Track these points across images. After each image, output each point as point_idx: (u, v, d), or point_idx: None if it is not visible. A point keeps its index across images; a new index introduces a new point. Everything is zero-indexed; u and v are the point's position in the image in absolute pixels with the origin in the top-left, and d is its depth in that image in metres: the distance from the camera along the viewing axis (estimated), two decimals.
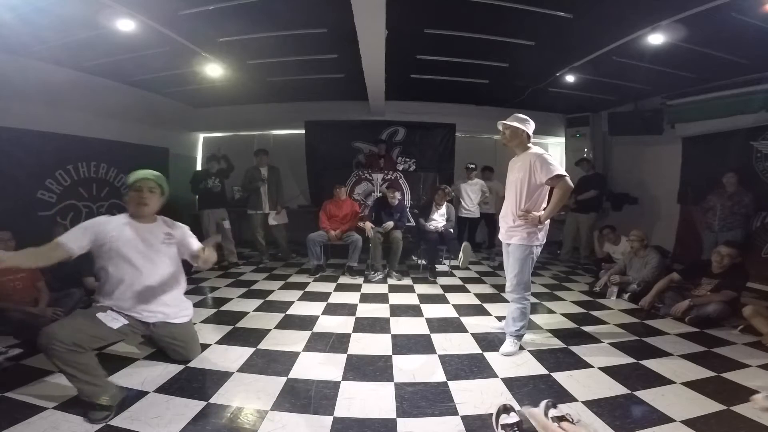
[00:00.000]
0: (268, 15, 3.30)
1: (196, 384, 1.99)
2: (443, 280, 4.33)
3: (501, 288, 3.91)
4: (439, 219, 4.61)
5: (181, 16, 3.24)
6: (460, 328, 2.90)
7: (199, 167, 6.98)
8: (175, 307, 2.16)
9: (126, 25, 3.27)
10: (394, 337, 2.68)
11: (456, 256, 4.24)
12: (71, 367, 1.66)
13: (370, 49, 3.63)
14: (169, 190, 2.23)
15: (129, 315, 1.98)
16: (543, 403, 1.70)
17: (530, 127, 2.45)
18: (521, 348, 2.50)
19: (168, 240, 2.12)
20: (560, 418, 1.57)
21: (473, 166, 5.61)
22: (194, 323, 2.83)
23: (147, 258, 2.02)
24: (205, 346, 2.45)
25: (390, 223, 4.41)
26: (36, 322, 2.46)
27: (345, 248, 4.56)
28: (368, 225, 4.42)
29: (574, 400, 1.89)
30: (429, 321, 3.02)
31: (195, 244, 2.17)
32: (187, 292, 3.59)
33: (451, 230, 4.64)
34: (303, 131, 6.48)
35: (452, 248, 4.58)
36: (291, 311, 3.20)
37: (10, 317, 2.46)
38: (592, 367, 2.27)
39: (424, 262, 4.74)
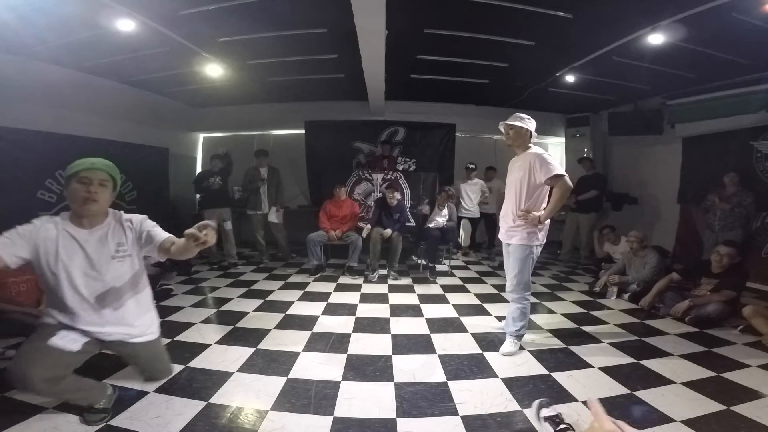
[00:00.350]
0: (268, 15, 3.30)
1: (196, 384, 1.99)
2: (443, 280, 4.33)
3: (501, 288, 3.92)
4: (440, 220, 4.62)
5: (181, 16, 3.24)
6: (460, 328, 2.90)
7: (199, 167, 7.00)
8: (137, 327, 1.83)
9: (126, 25, 3.27)
10: (394, 337, 2.68)
11: (456, 245, 4.26)
12: (59, 394, 1.59)
13: (370, 49, 3.63)
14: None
15: (84, 331, 1.69)
16: (536, 402, 1.70)
17: (532, 125, 2.46)
18: (521, 348, 2.50)
19: (120, 253, 1.74)
20: (551, 419, 1.56)
21: (473, 166, 5.62)
22: (197, 324, 2.85)
23: (92, 277, 1.68)
24: (205, 346, 2.45)
25: (388, 231, 4.40)
26: (36, 323, 2.48)
27: (345, 248, 4.56)
28: (368, 228, 4.42)
29: (574, 400, 1.89)
30: (429, 321, 3.02)
31: (160, 235, 1.79)
32: (187, 293, 3.66)
33: (452, 222, 4.68)
34: (303, 131, 6.48)
35: (453, 239, 4.56)
36: (291, 311, 3.20)
37: (11, 318, 2.46)
38: (592, 367, 2.27)
39: (424, 262, 4.75)
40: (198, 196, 5.34)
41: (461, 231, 4.07)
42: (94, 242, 1.70)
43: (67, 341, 1.62)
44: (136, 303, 1.83)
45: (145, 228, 1.81)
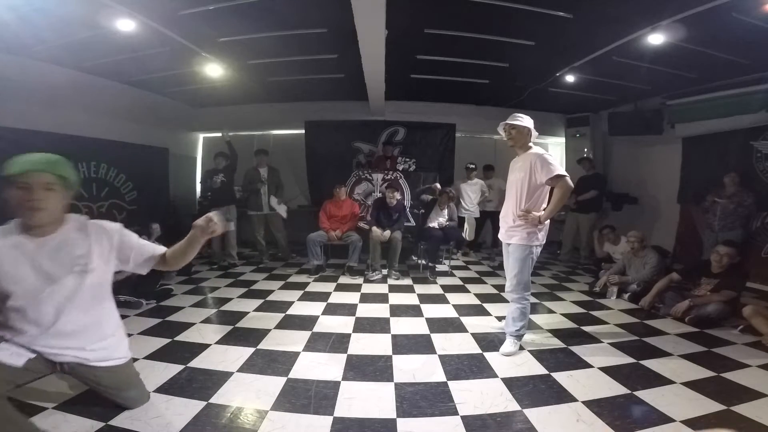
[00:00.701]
0: (268, 15, 3.30)
1: (196, 384, 1.99)
2: (443, 280, 4.33)
3: (501, 288, 3.91)
4: (441, 221, 4.62)
5: (181, 16, 3.24)
6: (460, 328, 2.90)
7: (199, 167, 7.00)
8: (94, 351, 1.56)
9: (126, 25, 3.27)
10: (394, 337, 2.68)
11: (459, 248, 4.27)
12: None
13: (370, 49, 3.63)
14: (76, 180, 1.52)
15: (32, 349, 1.46)
16: None
17: (530, 123, 2.47)
18: (521, 348, 2.50)
19: (79, 267, 1.48)
20: None
21: (473, 166, 5.62)
22: (197, 324, 2.84)
23: (42, 294, 1.42)
24: (205, 346, 2.45)
25: (387, 233, 4.41)
26: None
27: (345, 248, 4.56)
28: (377, 231, 4.43)
29: (574, 400, 1.89)
30: (429, 321, 3.02)
31: (156, 247, 1.67)
32: (187, 293, 3.66)
33: (453, 222, 4.67)
34: (303, 131, 6.49)
35: (456, 236, 4.50)
36: (291, 311, 3.20)
37: None
38: (592, 367, 2.27)
39: (424, 262, 4.75)
40: (200, 196, 5.32)
41: (465, 225, 4.09)
42: (45, 253, 1.44)
43: (7, 354, 1.40)
44: (96, 326, 1.57)
45: (127, 241, 1.61)
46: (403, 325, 2.91)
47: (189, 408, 1.76)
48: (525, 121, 2.45)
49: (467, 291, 3.94)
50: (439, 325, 2.95)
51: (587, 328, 2.93)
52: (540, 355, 2.42)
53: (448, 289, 3.99)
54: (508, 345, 2.46)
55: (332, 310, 3.25)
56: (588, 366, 2.28)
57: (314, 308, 3.26)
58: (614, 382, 2.08)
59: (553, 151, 6.72)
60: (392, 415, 1.76)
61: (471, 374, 2.17)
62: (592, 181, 5.49)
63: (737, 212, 3.98)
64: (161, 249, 1.69)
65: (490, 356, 2.40)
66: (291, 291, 3.80)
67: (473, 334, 2.75)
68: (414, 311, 3.27)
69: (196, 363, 2.22)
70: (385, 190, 4.71)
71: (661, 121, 5.25)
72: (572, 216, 5.63)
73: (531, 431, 1.65)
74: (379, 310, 3.26)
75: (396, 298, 3.61)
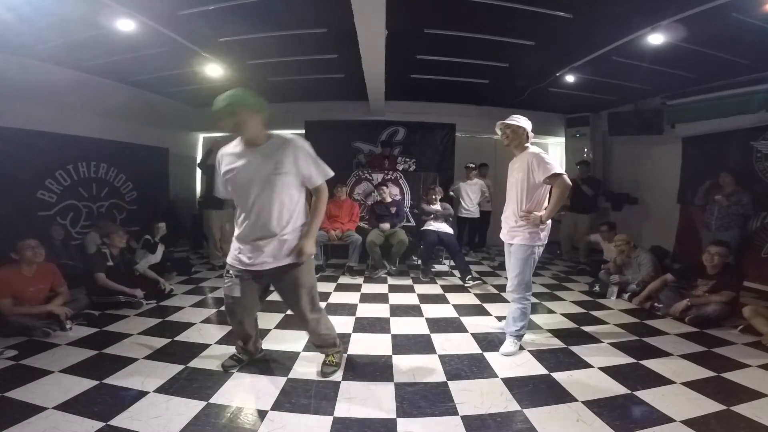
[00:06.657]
0: (268, 15, 3.30)
1: (196, 384, 1.99)
2: (443, 280, 4.32)
3: (501, 288, 3.92)
4: (435, 208, 4.61)
5: (181, 16, 3.24)
6: (460, 328, 2.90)
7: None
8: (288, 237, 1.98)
9: (126, 25, 3.27)
10: (394, 337, 2.68)
11: (457, 263, 4.25)
12: None
13: (370, 49, 3.63)
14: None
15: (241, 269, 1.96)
16: None
17: (528, 124, 2.47)
18: (521, 348, 2.49)
19: (277, 169, 1.95)
20: None
21: (473, 166, 5.63)
22: (197, 324, 2.85)
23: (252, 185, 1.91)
24: (205, 346, 2.45)
25: (387, 225, 4.40)
26: (37, 324, 2.49)
27: (345, 248, 4.56)
28: (383, 226, 4.45)
29: (574, 400, 1.89)
30: (429, 321, 3.02)
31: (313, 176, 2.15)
32: (187, 293, 3.66)
33: (450, 230, 4.62)
34: (303, 131, 6.48)
35: (454, 253, 4.39)
36: (291, 311, 3.19)
37: (12, 321, 2.47)
38: (592, 367, 2.27)
39: (423, 265, 4.73)
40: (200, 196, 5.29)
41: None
42: (258, 157, 1.92)
43: (229, 288, 1.99)
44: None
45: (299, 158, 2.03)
46: (403, 325, 2.91)
47: (189, 408, 1.76)
48: (521, 121, 2.45)
49: (467, 291, 3.94)
50: (439, 325, 2.95)
51: (587, 328, 2.93)
52: (540, 355, 2.42)
53: (448, 289, 3.99)
54: (508, 345, 2.46)
55: (332, 310, 3.25)
56: (588, 366, 2.28)
57: None
58: (614, 382, 2.08)
59: (553, 151, 6.76)
60: (392, 415, 1.76)
61: (471, 374, 2.17)
62: (588, 183, 5.49)
63: (733, 211, 3.98)
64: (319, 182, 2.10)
65: (490, 356, 2.40)
66: None
67: (473, 334, 2.75)
68: (414, 311, 3.27)
69: (196, 363, 2.22)
70: (377, 188, 4.69)
71: (661, 121, 5.25)
72: (570, 216, 5.62)
73: (531, 431, 1.66)
74: (379, 310, 3.26)
75: (396, 298, 3.61)
